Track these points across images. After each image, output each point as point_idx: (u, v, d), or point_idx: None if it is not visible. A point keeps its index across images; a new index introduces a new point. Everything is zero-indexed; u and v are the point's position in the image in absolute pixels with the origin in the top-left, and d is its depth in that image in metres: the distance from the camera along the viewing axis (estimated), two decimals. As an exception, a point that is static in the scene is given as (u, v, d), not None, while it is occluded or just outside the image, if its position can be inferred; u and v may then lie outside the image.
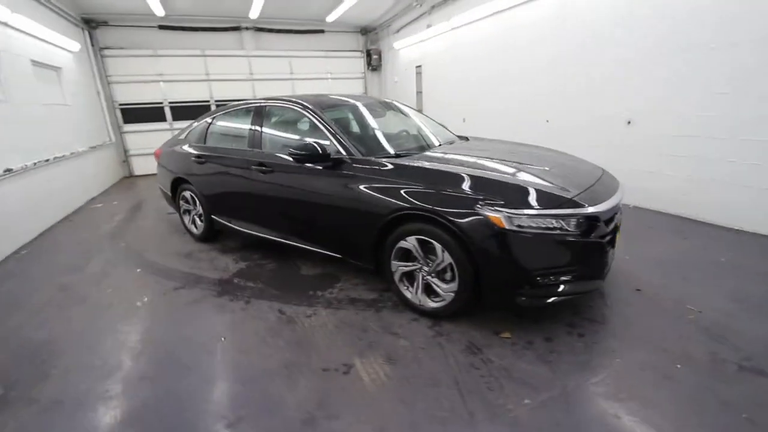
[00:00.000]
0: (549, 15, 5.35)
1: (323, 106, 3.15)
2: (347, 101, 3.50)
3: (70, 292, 3.22)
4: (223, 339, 2.44)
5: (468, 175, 2.37)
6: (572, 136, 5.21)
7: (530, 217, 2.10)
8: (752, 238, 3.54)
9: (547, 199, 2.18)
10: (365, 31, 10.36)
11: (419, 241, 2.42)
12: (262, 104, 3.47)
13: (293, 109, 3.24)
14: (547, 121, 5.65)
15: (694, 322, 2.36)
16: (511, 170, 2.53)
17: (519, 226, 2.10)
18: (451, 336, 2.34)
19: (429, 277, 2.47)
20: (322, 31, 9.87)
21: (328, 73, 10.22)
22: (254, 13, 8.17)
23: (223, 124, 3.91)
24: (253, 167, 3.27)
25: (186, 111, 8.94)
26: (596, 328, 2.37)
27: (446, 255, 2.31)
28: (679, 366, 2.00)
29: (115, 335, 2.54)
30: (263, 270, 3.45)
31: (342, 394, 1.92)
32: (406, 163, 2.61)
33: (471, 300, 2.34)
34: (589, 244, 2.19)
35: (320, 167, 2.84)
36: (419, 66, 8.72)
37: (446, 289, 2.39)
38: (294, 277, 3.29)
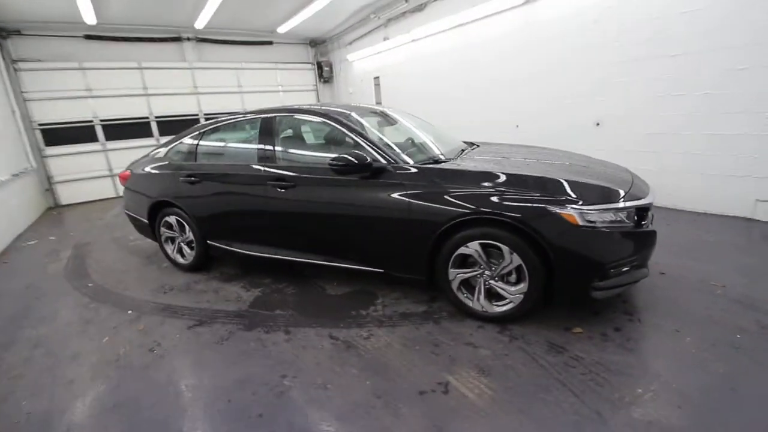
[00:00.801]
0: (514, 29, 5.71)
1: (343, 115, 2.99)
2: (354, 110, 3.35)
3: (50, 347, 2.63)
4: (285, 376, 2.15)
5: (528, 175, 2.39)
6: (543, 140, 5.58)
7: (599, 212, 2.18)
8: (721, 219, 4.06)
9: (608, 195, 2.27)
10: (315, 43, 10.19)
11: (482, 245, 2.38)
12: (269, 116, 3.18)
13: (311, 119, 3.04)
14: (517, 126, 5.99)
15: (724, 296, 2.61)
16: (559, 169, 2.60)
17: (589, 221, 2.16)
18: (527, 338, 2.32)
19: (492, 282, 2.44)
20: (270, 43, 9.51)
21: (279, 86, 9.84)
22: (201, 23, 7.61)
23: (217, 139, 3.53)
24: (269, 183, 2.99)
25: (121, 129, 8.00)
26: (649, 313, 2.51)
27: (515, 257, 2.29)
28: (738, 336, 2.19)
29: (150, 393, 2.11)
30: (284, 295, 3.14)
31: (455, 415, 1.79)
32: (457, 167, 2.57)
33: (540, 300, 2.35)
34: (643, 234, 2.33)
35: (356, 177, 2.68)
36: (377, 77, 8.78)
37: (514, 292, 2.37)
38: (323, 299, 3.04)
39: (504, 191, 2.30)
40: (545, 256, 2.22)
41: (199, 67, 8.67)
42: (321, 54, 10.41)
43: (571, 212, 2.15)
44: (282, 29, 8.62)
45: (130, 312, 3.05)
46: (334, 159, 2.59)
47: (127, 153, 7.70)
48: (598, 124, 5.02)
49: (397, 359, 2.23)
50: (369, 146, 2.72)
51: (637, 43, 4.45)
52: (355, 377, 2.10)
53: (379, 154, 2.67)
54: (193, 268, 3.72)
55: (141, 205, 3.82)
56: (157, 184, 3.66)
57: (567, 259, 2.19)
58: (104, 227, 5.83)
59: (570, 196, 2.21)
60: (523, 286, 2.34)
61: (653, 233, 2.38)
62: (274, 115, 3.17)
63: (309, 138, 3.24)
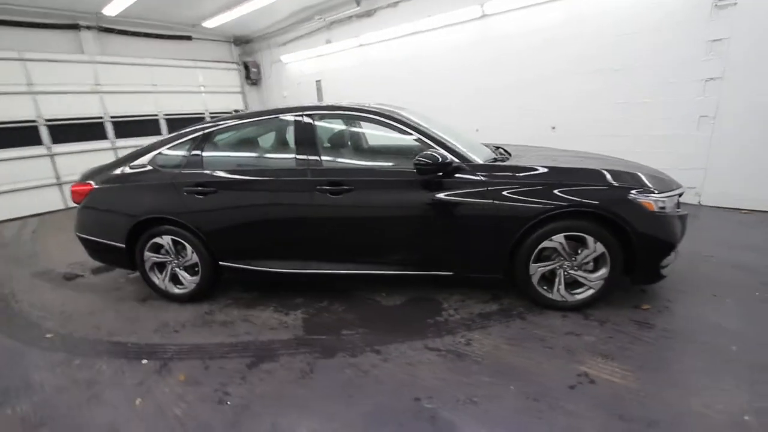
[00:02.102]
0: (471, 41, 6.09)
1: (395, 113, 2.82)
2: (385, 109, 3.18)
3: (62, 424, 1.90)
4: (418, 399, 1.92)
5: (603, 169, 2.57)
6: (508, 143, 6.07)
7: (667, 199, 2.47)
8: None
9: (669, 184, 2.58)
10: (239, 41, 9.36)
11: (565, 237, 2.49)
12: (307, 114, 2.81)
13: (357, 115, 2.81)
14: (477, 130, 6.40)
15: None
16: (615, 164, 2.81)
17: (661, 208, 2.44)
18: (613, 320, 2.49)
19: (573, 271, 2.56)
20: (189, 38, 8.43)
21: (200, 87, 8.77)
22: (113, 10, 6.37)
23: (231, 142, 2.99)
24: (318, 189, 2.65)
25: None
26: (698, 285, 2.86)
27: (598, 245, 2.45)
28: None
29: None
30: (336, 314, 2.81)
31: (622, 401, 1.83)
32: (532, 165, 2.63)
33: (614, 284, 2.55)
34: (684, 217, 2.71)
35: (425, 178, 2.56)
36: (319, 81, 8.46)
37: (595, 278, 2.53)
38: (383, 311, 2.81)
39: (589, 185, 2.44)
40: (625, 242, 2.43)
41: (103, 61, 7.22)
42: (246, 53, 9.61)
43: (650, 200, 2.40)
44: (210, 24, 7.72)
45: (145, 361, 2.39)
46: (420, 158, 2.43)
47: (7, 165, 6.02)
48: (553, 128, 5.67)
49: (517, 359, 2.18)
50: (438, 144, 2.62)
51: (585, 58, 5.16)
52: (494, 385, 2.00)
53: (449, 152, 2.59)
54: (192, 297, 3.08)
55: (114, 226, 3.02)
56: (144, 199, 2.94)
57: (647, 242, 2.42)
58: (10, 259, 4.44)
59: (646, 186, 2.45)
60: (603, 272, 2.50)
61: (686, 217, 2.79)
62: (313, 113, 2.82)
63: (359, 138, 2.97)
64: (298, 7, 7.35)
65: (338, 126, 2.97)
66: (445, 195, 2.54)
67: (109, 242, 3.08)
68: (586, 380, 1.99)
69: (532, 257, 2.55)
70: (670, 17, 4.48)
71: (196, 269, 3.01)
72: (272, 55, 9.19)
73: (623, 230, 2.40)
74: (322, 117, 2.84)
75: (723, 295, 2.69)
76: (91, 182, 3.09)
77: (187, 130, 3.06)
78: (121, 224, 2.99)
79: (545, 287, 2.63)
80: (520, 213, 2.47)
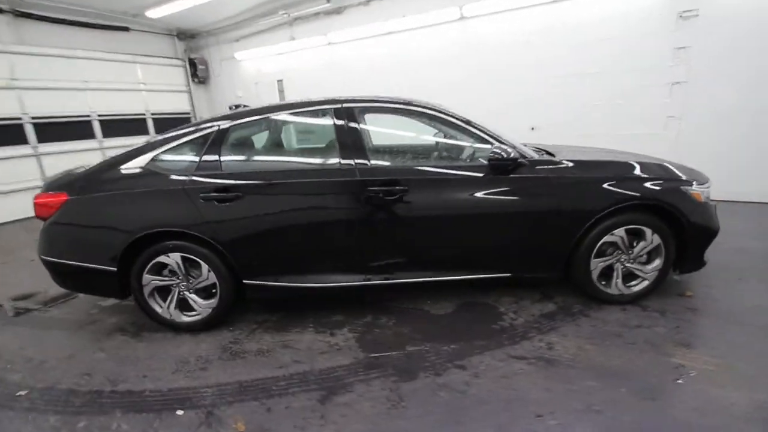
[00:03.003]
0: (450, 42, 6.09)
1: (443, 108, 2.63)
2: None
3: None
4: (540, 416, 1.74)
5: (654, 164, 2.62)
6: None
7: (708, 190, 2.58)
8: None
9: (702, 176, 2.71)
10: (184, 35, 8.45)
11: (625, 231, 2.49)
12: (347, 108, 2.49)
13: (406, 109, 2.57)
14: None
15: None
16: (651, 159, 2.88)
17: (706, 198, 2.55)
18: (671, 310, 2.53)
19: (629, 265, 2.57)
20: (125, 29, 7.40)
21: (140, 84, 7.73)
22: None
23: (256, 139, 2.56)
24: (370, 191, 2.36)
25: None
26: (720, 270, 3.01)
27: (655, 237, 2.49)
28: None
29: None
30: (389, 328, 2.52)
31: (738, 388, 1.82)
32: (587, 159, 2.60)
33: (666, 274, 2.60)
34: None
35: (481, 175, 2.41)
36: (281, 80, 7.92)
37: (650, 270, 2.56)
38: (440, 321, 2.59)
39: (647, 179, 2.47)
40: (677, 233, 2.49)
41: (20, 51, 6.01)
42: (192, 49, 8.71)
43: (698, 191, 2.49)
44: (153, 14, 6.83)
45: (180, 412, 1.90)
46: (495, 152, 2.26)
47: None
48: (533, 129, 5.87)
49: (608, 359, 2.10)
50: (496, 140, 2.48)
51: (562, 62, 5.42)
52: (604, 389, 1.88)
53: (511, 147, 2.46)
54: (206, 325, 2.58)
55: (101, 245, 2.43)
56: (145, 210, 2.39)
57: (697, 231, 2.50)
58: None
59: (696, 179, 2.54)
60: (658, 263, 2.55)
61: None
62: (353, 106, 2.51)
63: (407, 134, 2.70)
64: (256, 1, 6.81)
65: (394, 119, 2.69)
66: (508, 192, 2.41)
67: (92, 266, 2.46)
68: (685, 372, 1.96)
69: (594, 252, 2.52)
70: (641, 25, 4.86)
71: (213, 291, 2.53)
72: (222, 51, 8.44)
73: (678, 221, 2.46)
74: (363, 111, 2.55)
75: (747, 277, 2.90)
76: (64, 192, 2.45)
77: (191, 128, 2.57)
78: (112, 242, 2.40)
79: (603, 282, 2.61)
80: (585, 208, 2.42)
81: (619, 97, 5.20)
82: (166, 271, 2.51)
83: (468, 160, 2.61)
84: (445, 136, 2.73)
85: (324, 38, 7.00)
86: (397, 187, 2.38)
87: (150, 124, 7.85)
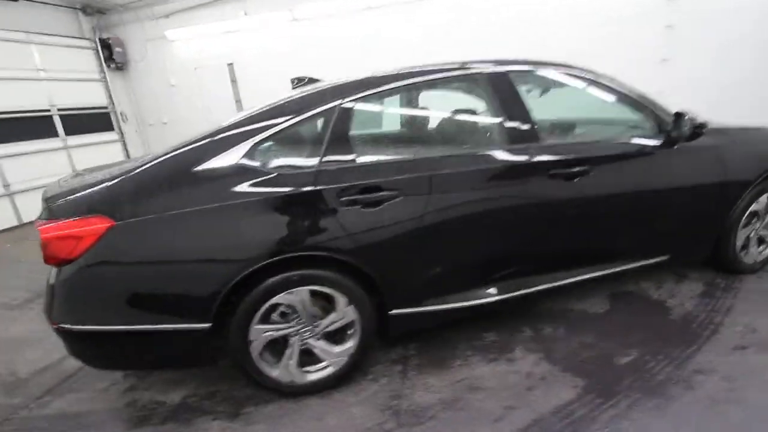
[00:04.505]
0: (444, 17, 5.67)
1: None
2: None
3: None
4: None
5: None
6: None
7: None
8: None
9: None
10: (91, 9, 6.62)
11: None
12: (498, 72, 1.93)
13: (569, 75, 2.11)
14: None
15: None
16: None
17: None
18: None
19: (763, 231, 2.51)
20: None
21: (39, 70, 5.86)
22: None
23: (394, 115, 1.86)
24: (552, 174, 1.87)
25: None
26: None
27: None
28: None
29: None
30: (568, 341, 2.06)
31: None
32: (728, 125, 2.43)
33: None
34: None
35: (658, 147, 2.10)
36: (231, 64, 6.69)
37: (778, 238, 2.53)
38: (611, 321, 2.21)
39: None
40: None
41: None
42: (104, 28, 6.90)
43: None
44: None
45: None
46: (695, 120, 1.93)
47: None
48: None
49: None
50: (658, 109, 2.18)
51: (561, 44, 5.42)
52: None
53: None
54: (339, 378, 1.84)
55: (184, 291, 1.55)
56: (260, 227, 1.57)
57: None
58: None
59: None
60: (787, 229, 2.53)
61: None
62: (509, 70, 1.96)
63: (571, 104, 2.22)
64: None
65: (557, 87, 2.18)
66: (683, 165, 2.14)
67: (167, 327, 1.56)
68: None
69: (741, 223, 2.39)
70: (634, 6, 5.07)
71: (350, 332, 1.80)
72: (147, 30, 6.85)
73: None
74: (521, 77, 2.01)
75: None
76: (102, 215, 1.48)
77: (294, 104, 1.76)
78: (203, 285, 1.54)
79: (743, 252, 2.51)
80: (746, 177, 2.27)
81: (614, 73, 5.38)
82: (275, 316, 1.71)
83: (633, 132, 2.25)
84: (595, 106, 2.34)
85: (288, 14, 6.06)
86: (578, 168, 1.93)
87: (57, 122, 6.01)
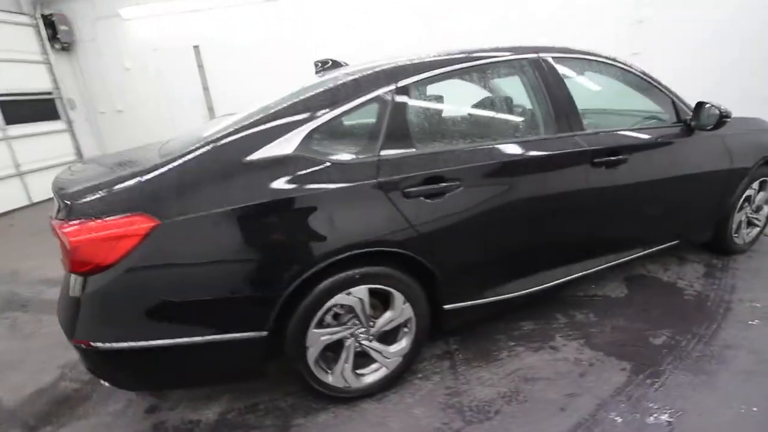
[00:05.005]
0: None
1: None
2: None
3: None
4: None
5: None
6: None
7: None
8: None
9: None
10: (28, -21, 5.79)
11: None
12: (542, 57, 1.91)
13: (601, 62, 2.14)
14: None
15: None
16: None
17: None
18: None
19: (751, 215, 2.73)
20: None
21: (-33, 49, 5.05)
22: None
23: (441, 101, 1.77)
24: (594, 163, 1.90)
25: None
26: None
27: (775, 187, 2.69)
28: None
29: None
30: (602, 326, 2.12)
31: None
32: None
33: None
34: None
35: (679, 134, 2.22)
36: (197, 47, 6.17)
37: (763, 216, 2.77)
38: (633, 305, 2.30)
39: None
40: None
41: None
42: (47, 3, 6.07)
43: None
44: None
45: None
46: (723, 109, 2.02)
47: None
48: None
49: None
50: (675, 97, 2.27)
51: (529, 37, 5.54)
52: None
53: (684, 105, 2.29)
54: (392, 380, 1.77)
55: (241, 296, 1.38)
56: (325, 221, 1.44)
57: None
58: None
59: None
60: (766, 210, 2.78)
61: None
62: (552, 56, 1.95)
63: (599, 90, 2.22)
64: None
65: (597, 71, 2.18)
66: (702, 151, 2.29)
67: (220, 338, 1.39)
68: None
69: (738, 207, 2.58)
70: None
71: (406, 329, 1.72)
72: (97, 7, 6.14)
73: None
74: (562, 63, 1.99)
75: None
76: (144, 213, 1.27)
77: (348, 87, 1.62)
78: (265, 285, 1.41)
79: (736, 234, 2.72)
80: (746, 164, 2.44)
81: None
82: (329, 319, 1.59)
83: (659, 120, 2.33)
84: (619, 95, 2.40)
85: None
86: (618, 157, 1.97)
87: (-7, 109, 5.25)
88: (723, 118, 2.03)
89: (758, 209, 2.74)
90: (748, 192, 2.57)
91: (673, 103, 2.24)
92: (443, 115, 1.86)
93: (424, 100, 1.82)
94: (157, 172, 1.35)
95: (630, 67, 2.22)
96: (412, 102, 1.67)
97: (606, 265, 2.18)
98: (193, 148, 1.41)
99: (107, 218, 1.25)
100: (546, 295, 2.09)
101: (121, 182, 1.33)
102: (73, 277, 1.35)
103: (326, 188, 1.45)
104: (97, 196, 1.29)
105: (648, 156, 2.11)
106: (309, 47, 5.50)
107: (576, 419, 1.58)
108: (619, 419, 1.56)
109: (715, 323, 2.09)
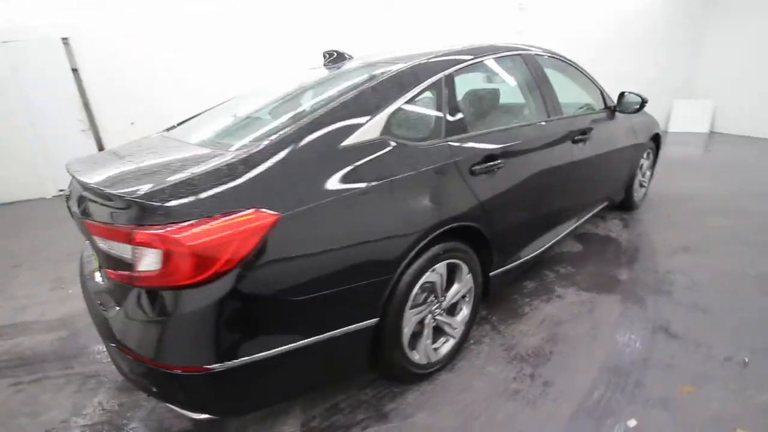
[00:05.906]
0: None
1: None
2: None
3: None
4: None
5: None
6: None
7: None
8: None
9: None
10: None
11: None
12: (528, 52, 2.28)
13: (556, 59, 2.58)
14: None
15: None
16: None
17: None
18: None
19: (641, 178, 3.63)
20: None
21: None
22: None
23: (475, 86, 1.92)
24: (574, 140, 2.35)
25: None
26: None
27: (650, 156, 3.64)
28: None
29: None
30: (580, 275, 2.61)
31: None
32: None
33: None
34: None
35: (608, 117, 2.86)
36: (66, 39, 5.03)
37: (646, 179, 3.72)
38: (595, 255, 2.88)
39: (653, 119, 3.54)
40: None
41: None
42: None
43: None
44: None
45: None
46: (644, 100, 2.67)
47: None
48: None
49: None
50: (600, 90, 2.89)
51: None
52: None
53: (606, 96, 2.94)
54: (458, 348, 1.90)
55: (354, 283, 1.34)
56: (422, 200, 1.50)
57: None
58: None
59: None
60: (649, 173, 3.74)
61: None
62: (535, 54, 2.34)
63: (557, 82, 2.60)
64: None
65: (555, 66, 2.55)
66: (622, 130, 2.96)
67: (340, 331, 1.33)
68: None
69: (637, 171, 3.42)
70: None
71: (466, 299, 1.87)
72: None
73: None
74: (539, 56, 2.38)
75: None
76: (263, 207, 1.14)
77: (415, 69, 1.70)
78: (377, 269, 1.40)
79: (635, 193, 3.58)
80: (644, 138, 3.25)
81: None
82: (419, 298, 1.64)
83: (596, 106, 2.87)
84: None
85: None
86: (586, 135, 2.46)
87: None
88: (644, 103, 2.71)
89: (644, 174, 3.67)
90: (641, 161, 3.42)
91: (601, 92, 2.86)
92: (476, 100, 2.06)
93: (463, 88, 1.99)
94: (264, 167, 1.22)
95: (575, 64, 2.75)
96: (458, 89, 1.83)
97: (575, 225, 2.68)
98: (281, 137, 1.32)
99: (226, 216, 1.09)
100: (543, 255, 2.47)
101: (217, 178, 1.17)
102: (168, 294, 1.12)
103: (420, 170, 1.51)
104: (198, 197, 1.11)
105: (598, 134, 2.66)
106: (220, 41, 5.08)
107: (607, 342, 1.96)
108: (632, 336, 1.99)
109: (651, 259, 2.77)
